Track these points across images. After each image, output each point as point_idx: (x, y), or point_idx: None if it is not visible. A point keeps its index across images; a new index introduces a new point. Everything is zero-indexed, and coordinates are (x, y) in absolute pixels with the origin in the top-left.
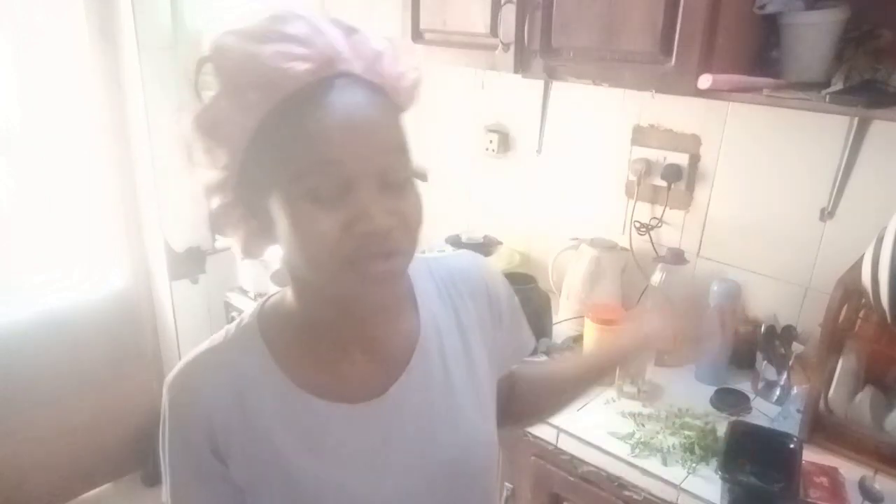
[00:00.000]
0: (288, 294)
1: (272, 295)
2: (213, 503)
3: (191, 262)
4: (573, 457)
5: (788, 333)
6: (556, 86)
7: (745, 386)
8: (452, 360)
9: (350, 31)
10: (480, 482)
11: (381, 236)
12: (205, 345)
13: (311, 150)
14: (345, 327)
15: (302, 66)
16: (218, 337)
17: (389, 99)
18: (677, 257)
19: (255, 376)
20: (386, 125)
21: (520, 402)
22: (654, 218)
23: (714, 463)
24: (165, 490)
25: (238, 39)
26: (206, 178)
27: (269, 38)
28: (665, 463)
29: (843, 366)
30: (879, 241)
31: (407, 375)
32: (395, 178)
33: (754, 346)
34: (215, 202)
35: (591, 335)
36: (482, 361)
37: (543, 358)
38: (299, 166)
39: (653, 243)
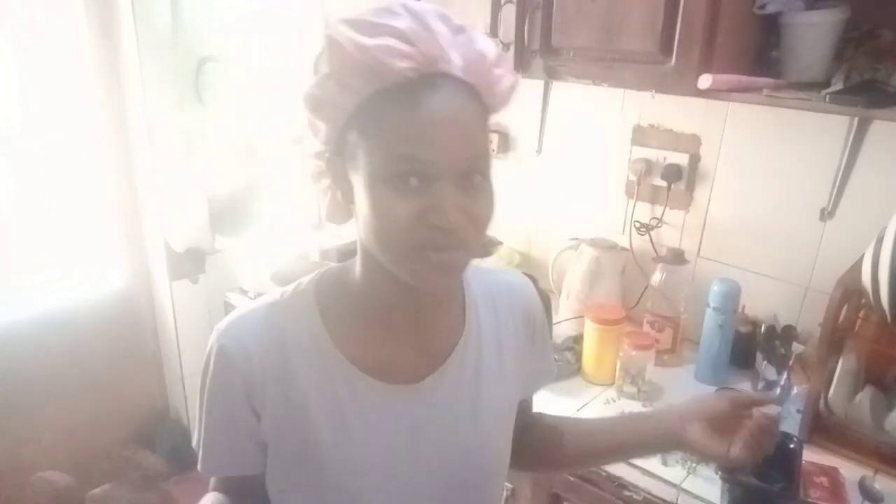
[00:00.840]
0: (353, 267)
1: (333, 266)
2: (237, 457)
3: (191, 262)
4: None
5: (788, 333)
6: (556, 86)
7: (745, 386)
8: (485, 367)
9: (457, 30)
10: (489, 489)
11: (450, 231)
12: (260, 300)
13: (400, 142)
14: (401, 310)
15: (404, 64)
16: (274, 296)
17: (482, 101)
18: (677, 257)
19: (302, 341)
20: (474, 128)
21: (558, 451)
22: (654, 218)
23: (714, 463)
24: (197, 433)
25: (349, 28)
26: (311, 146)
27: (377, 30)
28: (665, 463)
29: (843, 366)
30: (879, 241)
31: (443, 369)
32: (473, 175)
33: (754, 346)
34: (315, 167)
35: (591, 335)
36: (511, 378)
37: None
38: (387, 155)
39: (653, 243)
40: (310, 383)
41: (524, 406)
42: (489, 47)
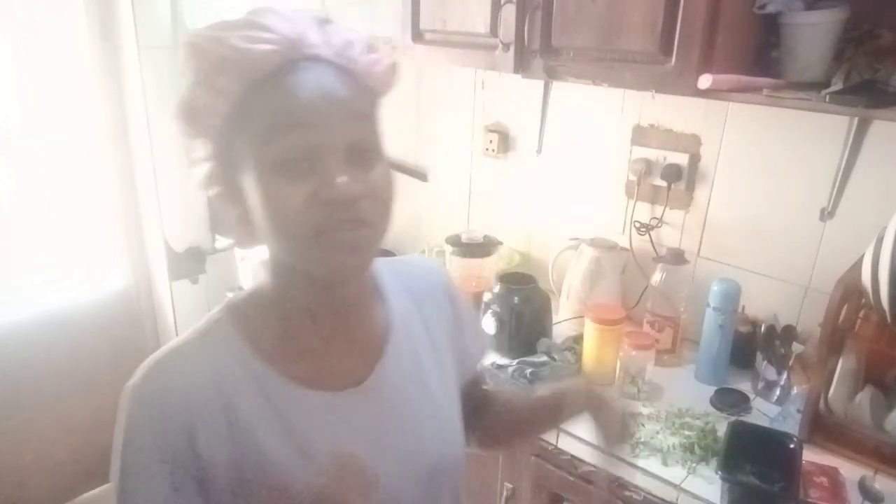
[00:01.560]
0: (264, 284)
1: (240, 291)
2: None
3: (191, 262)
4: (573, 457)
5: (788, 333)
6: (556, 86)
7: (745, 386)
8: (422, 350)
9: (322, 21)
10: (455, 478)
11: (347, 204)
12: (172, 344)
13: (281, 129)
14: (323, 315)
15: (266, 47)
16: (186, 335)
17: (361, 83)
18: (677, 257)
19: (233, 370)
20: (355, 108)
21: (494, 421)
22: (654, 218)
23: (714, 463)
24: None
25: (208, 31)
26: (198, 172)
27: (236, 27)
28: (665, 463)
29: (843, 366)
30: (879, 240)
31: (383, 363)
32: (362, 150)
33: (754, 346)
34: (211, 193)
35: (591, 335)
36: (447, 357)
37: (544, 357)
38: (270, 145)
39: (653, 243)
40: (253, 411)
41: (477, 383)
42: (358, 36)
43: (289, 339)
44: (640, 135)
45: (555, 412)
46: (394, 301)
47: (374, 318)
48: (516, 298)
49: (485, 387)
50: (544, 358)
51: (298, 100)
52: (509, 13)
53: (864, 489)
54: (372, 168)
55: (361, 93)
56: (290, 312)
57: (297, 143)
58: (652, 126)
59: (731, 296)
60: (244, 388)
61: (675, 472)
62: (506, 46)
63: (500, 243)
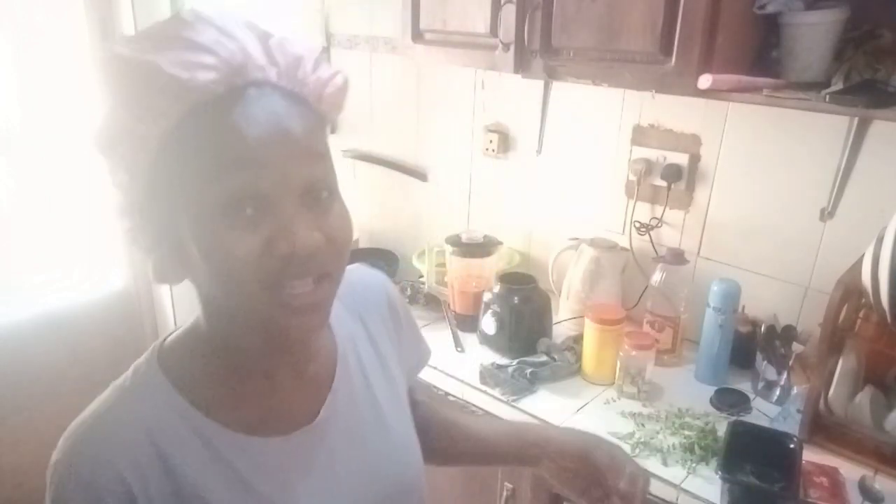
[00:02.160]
0: (198, 326)
1: (168, 335)
2: None
3: None
4: None
5: (788, 333)
6: (556, 86)
7: (745, 386)
8: (371, 372)
9: (265, 35)
10: (417, 496)
11: (306, 257)
12: (95, 405)
13: (224, 168)
14: (270, 355)
15: (206, 76)
16: (109, 393)
17: (310, 108)
18: (677, 257)
19: (171, 425)
20: (308, 139)
21: (435, 440)
22: (654, 218)
23: (714, 463)
24: None
25: (135, 47)
26: (113, 199)
27: (170, 45)
28: (665, 463)
29: (843, 366)
30: (879, 240)
31: (333, 396)
32: (318, 192)
33: (754, 346)
34: (124, 225)
35: (591, 335)
36: (396, 372)
37: (544, 357)
38: (212, 186)
39: (653, 243)
40: (196, 468)
41: (411, 392)
42: (306, 49)
43: (231, 386)
44: (640, 135)
45: (512, 459)
46: (338, 326)
47: (321, 349)
48: (516, 298)
49: (418, 398)
50: (544, 358)
51: (246, 137)
52: (509, 13)
53: (864, 489)
54: (330, 210)
55: (315, 123)
56: (231, 357)
57: (247, 185)
58: (652, 126)
59: (731, 296)
60: (186, 444)
61: (675, 472)
62: (506, 46)
63: (500, 243)
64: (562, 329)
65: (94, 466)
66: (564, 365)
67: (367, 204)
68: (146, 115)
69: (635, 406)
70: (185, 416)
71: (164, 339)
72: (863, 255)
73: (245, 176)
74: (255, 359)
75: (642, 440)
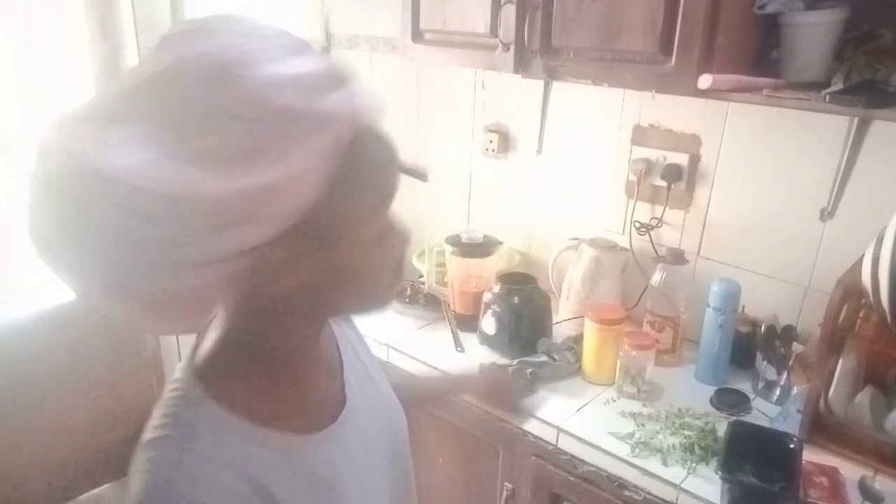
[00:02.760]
0: (230, 336)
1: (191, 359)
2: None
3: None
4: (573, 457)
5: (788, 333)
6: (556, 86)
7: (745, 386)
8: (356, 344)
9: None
10: (407, 446)
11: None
12: (166, 456)
13: (388, 184)
14: (309, 354)
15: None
16: (168, 433)
17: None
18: (677, 257)
19: (243, 450)
20: None
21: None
22: (654, 218)
23: (714, 463)
24: None
25: (285, 89)
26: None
27: (314, 86)
28: (665, 463)
29: (843, 366)
30: (879, 240)
31: (348, 376)
32: None
33: (754, 346)
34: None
35: (591, 335)
36: (366, 343)
37: (544, 357)
38: (380, 201)
39: (653, 243)
40: (280, 484)
41: None
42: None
43: (277, 396)
44: (640, 135)
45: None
46: None
47: (328, 332)
48: (516, 298)
49: None
50: (544, 358)
51: (394, 168)
52: (509, 13)
53: (864, 489)
54: None
55: None
56: (274, 366)
57: (391, 197)
58: (652, 126)
59: (731, 296)
60: (264, 464)
61: (675, 472)
62: (506, 46)
63: (500, 243)
64: (562, 329)
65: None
66: (564, 365)
67: None
68: (308, 158)
69: (635, 406)
70: (250, 437)
71: (192, 364)
72: (863, 255)
73: (393, 187)
74: (297, 362)
75: (642, 440)
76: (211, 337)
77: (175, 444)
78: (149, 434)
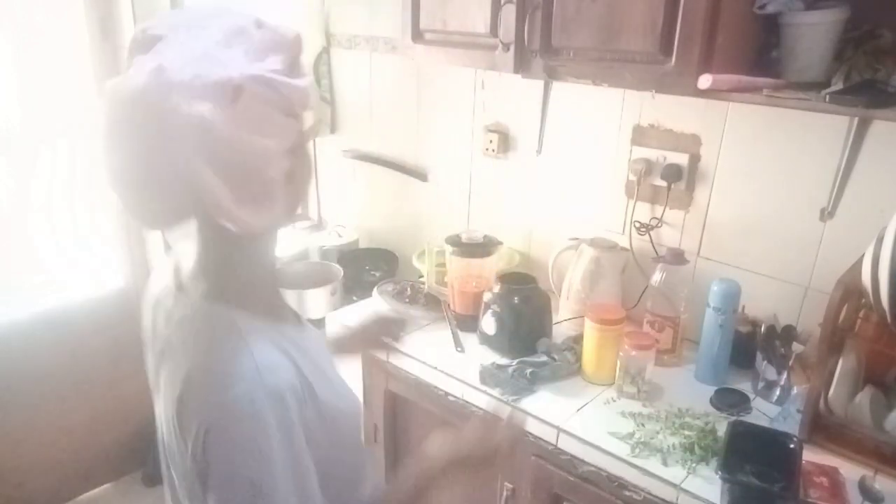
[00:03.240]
0: (219, 248)
1: (200, 286)
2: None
3: None
4: (573, 457)
5: (788, 333)
6: (556, 86)
7: (745, 386)
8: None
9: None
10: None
11: None
12: (232, 354)
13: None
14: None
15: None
16: (222, 342)
17: None
18: (677, 257)
19: (272, 337)
20: None
21: None
22: (654, 218)
23: (714, 463)
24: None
25: (257, 74)
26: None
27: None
28: (665, 463)
29: (843, 366)
30: (879, 240)
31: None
32: None
33: (754, 346)
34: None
35: (591, 335)
36: None
37: (544, 357)
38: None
39: (653, 243)
40: (296, 356)
41: None
42: None
43: (270, 300)
44: (640, 135)
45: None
46: None
47: None
48: (516, 298)
49: None
50: (544, 358)
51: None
52: (509, 13)
53: (864, 489)
54: None
55: None
56: (266, 275)
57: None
58: (652, 126)
59: (731, 296)
60: (287, 345)
61: (675, 472)
62: (506, 46)
63: (500, 243)
64: (562, 329)
65: (276, 386)
66: (564, 365)
67: (367, 204)
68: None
69: (635, 406)
70: (265, 329)
71: (210, 293)
72: (863, 255)
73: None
74: (271, 260)
75: (642, 440)
76: (193, 266)
77: (236, 340)
78: (204, 340)
